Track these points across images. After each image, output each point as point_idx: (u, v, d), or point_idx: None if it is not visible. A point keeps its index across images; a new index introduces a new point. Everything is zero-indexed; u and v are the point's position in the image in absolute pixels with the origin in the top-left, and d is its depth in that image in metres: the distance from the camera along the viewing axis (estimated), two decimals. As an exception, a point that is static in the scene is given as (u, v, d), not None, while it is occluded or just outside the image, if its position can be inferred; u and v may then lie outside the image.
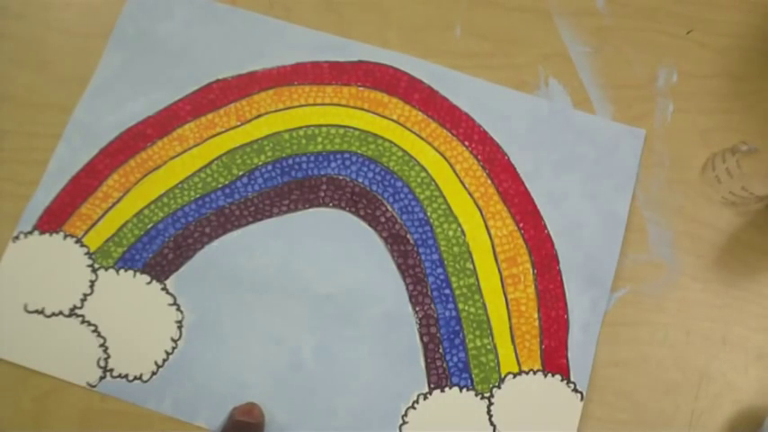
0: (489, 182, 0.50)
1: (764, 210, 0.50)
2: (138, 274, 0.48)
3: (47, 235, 0.48)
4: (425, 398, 0.46)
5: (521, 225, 0.49)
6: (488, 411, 0.46)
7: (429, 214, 0.49)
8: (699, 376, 0.47)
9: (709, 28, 0.53)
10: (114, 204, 0.49)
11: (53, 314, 0.47)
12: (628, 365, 0.48)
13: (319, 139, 0.50)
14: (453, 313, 0.47)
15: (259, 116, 0.50)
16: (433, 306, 0.47)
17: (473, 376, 0.47)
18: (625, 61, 0.52)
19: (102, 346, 0.47)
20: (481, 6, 0.53)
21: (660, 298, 0.48)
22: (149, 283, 0.48)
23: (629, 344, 0.48)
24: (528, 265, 0.48)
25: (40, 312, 0.47)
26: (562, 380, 0.46)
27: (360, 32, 0.53)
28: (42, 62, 0.52)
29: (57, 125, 0.50)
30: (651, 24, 0.53)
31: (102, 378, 0.46)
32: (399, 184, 0.49)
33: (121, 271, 0.48)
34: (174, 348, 0.47)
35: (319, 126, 0.50)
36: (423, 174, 0.50)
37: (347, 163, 0.50)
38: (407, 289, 0.48)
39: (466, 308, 0.47)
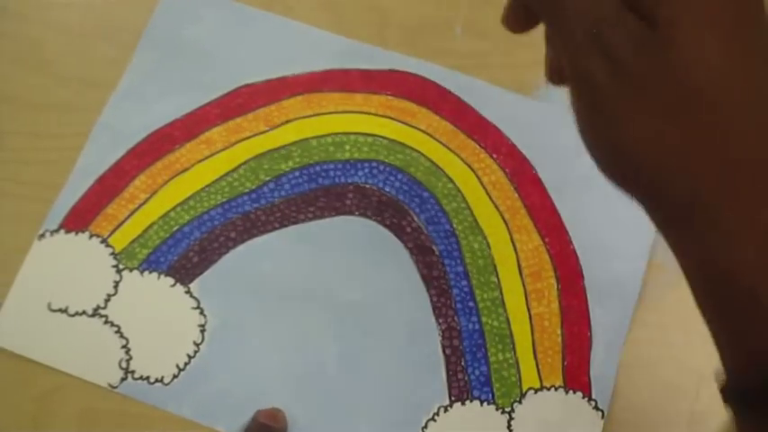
0: (516, 195, 0.49)
1: None
2: (162, 276, 0.48)
3: (72, 234, 0.48)
4: (446, 410, 0.46)
5: (546, 240, 0.49)
6: (509, 426, 0.46)
7: (455, 226, 0.49)
8: (698, 376, 0.47)
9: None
10: (140, 206, 0.49)
11: (76, 313, 0.47)
12: (627, 366, 0.47)
13: (347, 147, 0.50)
14: (476, 326, 0.47)
15: (287, 122, 0.50)
16: (456, 318, 0.47)
17: (494, 390, 0.46)
18: (624, 61, 0.52)
19: (124, 347, 0.47)
20: (481, 6, 0.53)
21: (660, 298, 0.48)
22: (173, 285, 0.48)
23: (629, 344, 0.48)
24: (552, 281, 0.48)
25: (64, 311, 0.47)
26: (583, 397, 0.46)
27: (359, 31, 0.52)
28: (42, 62, 0.52)
29: (58, 125, 0.50)
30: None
31: (123, 379, 0.46)
32: (426, 194, 0.49)
33: (146, 273, 0.48)
34: (196, 352, 0.47)
35: (347, 134, 0.50)
36: (450, 185, 0.49)
37: (374, 172, 0.50)
38: (431, 300, 0.48)
39: (489, 321, 0.47)
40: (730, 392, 0.27)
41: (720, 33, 0.24)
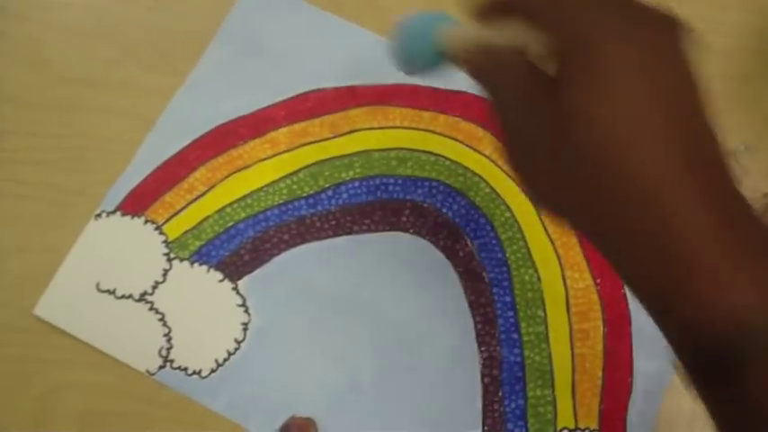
0: (572, 231, 0.49)
1: (765, 210, 0.49)
2: (211, 270, 0.48)
3: (128, 217, 0.49)
4: (479, 440, 0.46)
5: (598, 281, 0.48)
6: (540, 464, 0.45)
7: (508, 255, 0.48)
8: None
9: (709, 28, 0.52)
10: (198, 197, 0.49)
11: (123, 296, 0.47)
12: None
13: (409, 164, 0.50)
14: (518, 359, 0.47)
15: (352, 131, 0.50)
16: (498, 348, 0.47)
17: (528, 425, 0.46)
18: (625, 62, 0.52)
19: (166, 335, 0.47)
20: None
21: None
22: (221, 281, 0.48)
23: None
24: (599, 323, 0.48)
25: (111, 293, 0.47)
26: (618, 444, 0.46)
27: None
28: (42, 62, 0.52)
29: (58, 125, 0.51)
30: (651, 24, 0.53)
31: (161, 367, 0.46)
32: (483, 220, 0.49)
33: (196, 264, 0.48)
34: (236, 349, 0.47)
35: (411, 150, 0.50)
36: (507, 213, 0.49)
37: (434, 191, 0.49)
38: (476, 327, 0.47)
39: (531, 355, 0.47)
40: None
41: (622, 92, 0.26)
